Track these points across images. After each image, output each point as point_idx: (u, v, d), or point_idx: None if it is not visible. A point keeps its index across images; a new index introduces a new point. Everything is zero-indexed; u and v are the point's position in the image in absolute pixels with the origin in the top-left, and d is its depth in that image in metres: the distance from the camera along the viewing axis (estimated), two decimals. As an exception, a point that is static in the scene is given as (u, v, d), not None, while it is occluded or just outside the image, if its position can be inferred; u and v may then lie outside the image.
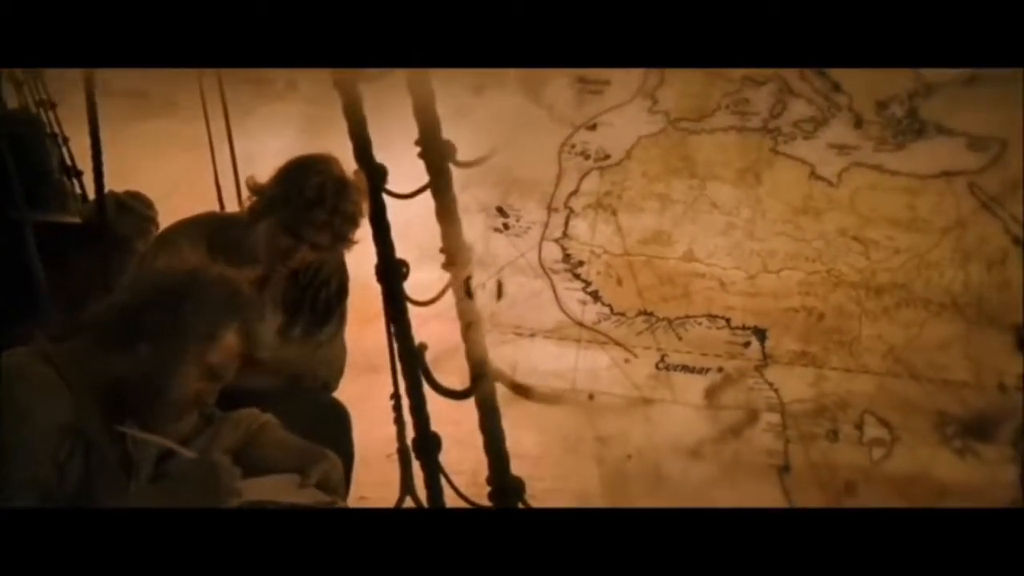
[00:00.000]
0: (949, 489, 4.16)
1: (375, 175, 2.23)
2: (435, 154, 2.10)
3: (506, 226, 4.22)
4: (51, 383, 1.98)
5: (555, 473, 3.94)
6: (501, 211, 4.21)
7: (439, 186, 2.11)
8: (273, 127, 3.98)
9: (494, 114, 3.70)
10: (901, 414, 4.24)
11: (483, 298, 4.04)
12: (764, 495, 4.20)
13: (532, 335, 4.21)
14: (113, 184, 3.38)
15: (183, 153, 3.66)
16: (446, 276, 2.22)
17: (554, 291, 4.21)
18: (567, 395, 3.98)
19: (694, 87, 4.08)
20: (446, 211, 2.13)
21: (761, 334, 4.24)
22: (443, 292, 2.17)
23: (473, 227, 4.10)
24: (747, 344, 4.24)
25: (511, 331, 4.17)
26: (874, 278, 4.21)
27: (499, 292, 4.16)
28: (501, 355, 4.03)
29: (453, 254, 2.15)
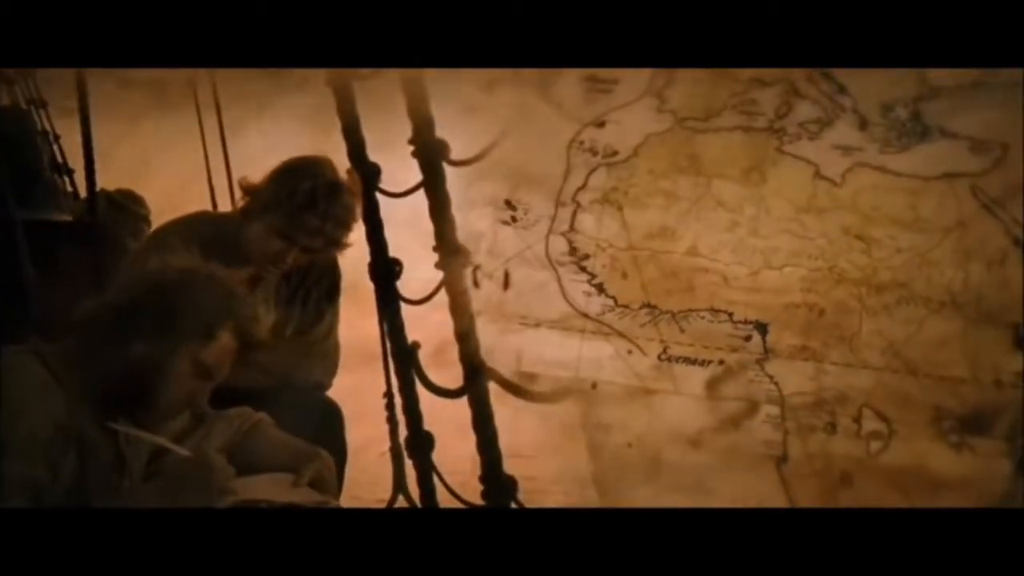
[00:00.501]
0: (944, 482, 4.11)
1: (368, 174, 2.10)
2: (428, 152, 1.97)
3: (514, 219, 4.12)
4: (43, 382, 1.88)
5: (556, 459, 3.86)
6: (510, 204, 4.12)
7: (432, 184, 1.98)
8: (291, 119, 3.88)
9: (504, 110, 3.58)
10: (899, 408, 4.16)
11: (490, 288, 3.97)
12: (762, 484, 4.15)
13: (537, 325, 4.11)
14: (128, 178, 3.28)
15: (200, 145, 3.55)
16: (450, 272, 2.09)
17: (560, 283, 4.11)
18: (565, 389, 3.88)
19: (702, 87, 3.97)
20: (440, 210, 1.99)
21: (763, 328, 4.14)
22: (436, 291, 2.04)
23: (482, 219, 4.03)
24: (748, 338, 4.14)
25: (517, 321, 4.08)
26: (875, 276, 4.10)
27: (506, 283, 4.07)
28: (506, 344, 3.97)
29: (447, 253, 2.01)
